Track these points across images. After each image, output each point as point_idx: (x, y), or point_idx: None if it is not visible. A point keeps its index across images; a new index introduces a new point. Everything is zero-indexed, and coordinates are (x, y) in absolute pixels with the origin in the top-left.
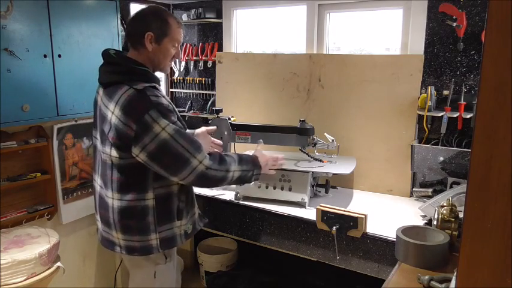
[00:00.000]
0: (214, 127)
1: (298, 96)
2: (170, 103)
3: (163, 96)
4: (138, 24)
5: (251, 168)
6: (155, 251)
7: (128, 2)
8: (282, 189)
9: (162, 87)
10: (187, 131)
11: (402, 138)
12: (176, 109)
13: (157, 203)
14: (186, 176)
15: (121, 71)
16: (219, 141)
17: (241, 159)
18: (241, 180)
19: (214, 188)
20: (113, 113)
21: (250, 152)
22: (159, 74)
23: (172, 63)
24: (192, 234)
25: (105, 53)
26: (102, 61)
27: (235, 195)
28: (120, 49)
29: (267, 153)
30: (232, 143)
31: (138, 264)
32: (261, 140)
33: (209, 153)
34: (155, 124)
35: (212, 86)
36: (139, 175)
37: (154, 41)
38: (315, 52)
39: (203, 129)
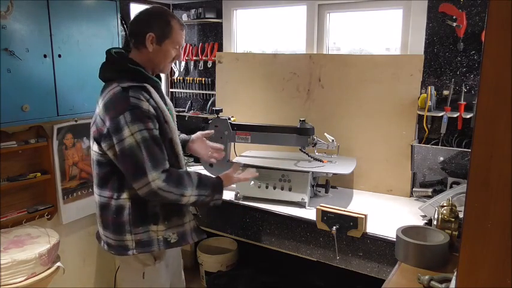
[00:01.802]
0: (212, 131)
1: (298, 96)
2: (157, 107)
3: (152, 99)
4: (141, 25)
5: (209, 194)
6: (130, 252)
7: (128, 2)
8: (282, 189)
9: (162, 87)
10: (182, 136)
11: (402, 138)
12: (164, 108)
13: (133, 203)
14: (139, 188)
15: (115, 69)
16: (219, 145)
17: (201, 183)
18: (197, 204)
19: None
20: (99, 107)
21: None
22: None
23: (173, 63)
24: (178, 245)
25: (107, 52)
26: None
27: (235, 195)
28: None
29: (237, 174)
30: (232, 143)
31: (127, 262)
32: (242, 164)
33: (169, 171)
34: (126, 127)
35: (212, 86)
36: (116, 173)
37: (155, 42)
38: (315, 52)
39: (198, 134)
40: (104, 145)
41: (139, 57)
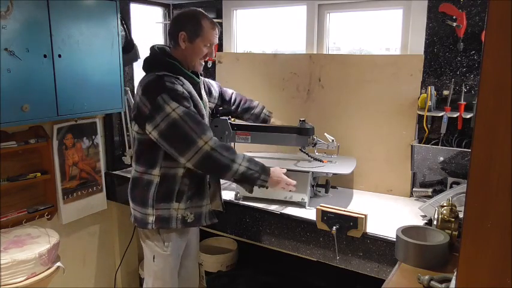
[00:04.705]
0: (284, 170)
1: (298, 96)
2: (191, 92)
3: (183, 85)
4: (175, 25)
5: (259, 171)
6: (150, 226)
7: (128, 2)
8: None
9: None
10: (263, 112)
11: (402, 138)
12: (198, 99)
13: (161, 180)
14: (191, 157)
15: (152, 60)
16: (293, 181)
17: (251, 159)
18: (245, 179)
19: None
20: (137, 93)
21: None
22: None
23: (203, 61)
24: (194, 225)
25: (151, 47)
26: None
27: (235, 195)
28: (120, 49)
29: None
30: (232, 143)
31: (144, 241)
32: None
33: (228, 145)
34: (166, 105)
35: None
36: (152, 151)
37: (187, 40)
38: (315, 52)
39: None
40: (148, 126)
41: (176, 54)
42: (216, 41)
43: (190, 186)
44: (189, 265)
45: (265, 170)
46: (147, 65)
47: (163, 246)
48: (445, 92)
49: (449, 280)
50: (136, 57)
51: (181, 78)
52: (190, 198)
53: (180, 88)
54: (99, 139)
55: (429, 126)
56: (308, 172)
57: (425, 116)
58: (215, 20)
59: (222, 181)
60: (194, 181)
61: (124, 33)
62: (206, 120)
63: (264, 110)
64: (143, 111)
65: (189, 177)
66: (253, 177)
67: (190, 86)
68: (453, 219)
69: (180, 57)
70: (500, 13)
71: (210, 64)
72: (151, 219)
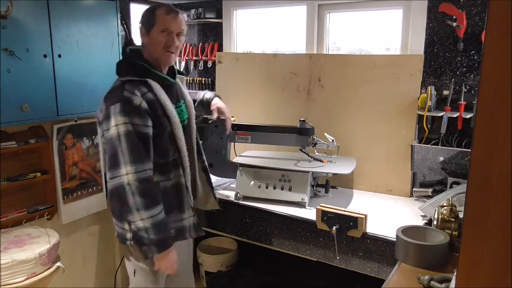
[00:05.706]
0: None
1: (298, 96)
2: (157, 101)
3: (150, 92)
4: (139, 23)
5: (154, 239)
6: (128, 243)
7: (128, 2)
8: (282, 189)
9: None
10: (206, 95)
11: (402, 138)
12: (167, 104)
13: None
14: (109, 179)
15: (122, 64)
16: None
17: (161, 224)
18: (135, 239)
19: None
20: None
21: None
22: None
23: (169, 51)
24: (175, 240)
25: (123, 49)
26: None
27: (235, 195)
28: (120, 49)
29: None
30: (232, 143)
31: (126, 256)
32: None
33: (149, 176)
34: (113, 118)
35: (212, 86)
36: None
37: (145, 32)
38: (315, 52)
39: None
40: (99, 132)
41: (145, 53)
42: (175, 27)
43: (165, 200)
44: (180, 281)
45: (161, 245)
46: (117, 69)
47: (146, 262)
48: (445, 92)
49: (449, 280)
50: None
51: (149, 81)
52: (168, 213)
53: (137, 100)
54: (99, 139)
55: (429, 126)
56: (308, 172)
57: (425, 116)
58: (215, 20)
59: (213, 180)
60: (170, 194)
61: (124, 33)
62: (192, 123)
63: (205, 95)
64: (99, 116)
65: (163, 190)
66: (142, 241)
67: (160, 90)
68: (453, 219)
69: (148, 56)
70: (500, 13)
71: (210, 64)
72: (129, 235)
